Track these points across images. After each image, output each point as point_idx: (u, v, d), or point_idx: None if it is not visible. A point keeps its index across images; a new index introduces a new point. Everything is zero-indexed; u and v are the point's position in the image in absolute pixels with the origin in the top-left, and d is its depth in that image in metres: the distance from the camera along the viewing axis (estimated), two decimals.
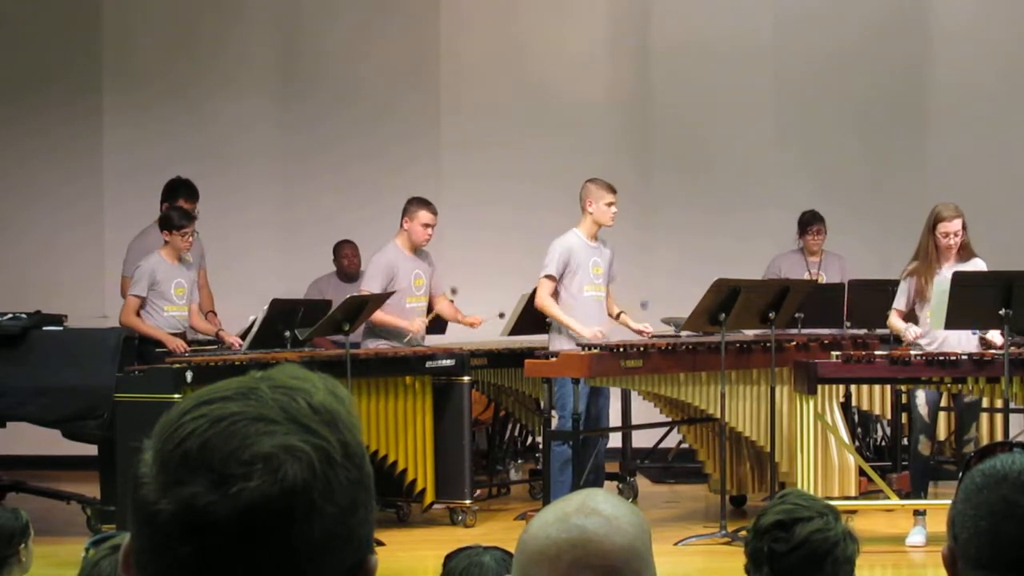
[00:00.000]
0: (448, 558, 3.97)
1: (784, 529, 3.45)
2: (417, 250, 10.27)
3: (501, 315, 10.81)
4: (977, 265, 9.09)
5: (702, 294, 9.32)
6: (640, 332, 9.93)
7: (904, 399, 10.59)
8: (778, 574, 3.44)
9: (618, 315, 9.95)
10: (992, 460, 2.00)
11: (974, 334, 9.08)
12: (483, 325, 10.58)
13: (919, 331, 9.04)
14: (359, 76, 13.46)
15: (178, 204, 10.63)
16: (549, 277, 9.70)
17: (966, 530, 1.97)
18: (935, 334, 9.01)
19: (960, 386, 8.93)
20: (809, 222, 11.55)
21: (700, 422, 10.07)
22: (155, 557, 1.36)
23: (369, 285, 10.08)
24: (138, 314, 10.00)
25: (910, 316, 9.22)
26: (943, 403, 9.53)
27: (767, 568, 3.45)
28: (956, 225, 9.00)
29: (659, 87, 13.31)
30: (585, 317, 9.67)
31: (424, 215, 10.18)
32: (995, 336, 9.01)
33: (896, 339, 10.28)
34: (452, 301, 10.76)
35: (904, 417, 10.83)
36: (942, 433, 10.00)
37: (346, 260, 12.11)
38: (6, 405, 9.57)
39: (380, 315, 10.07)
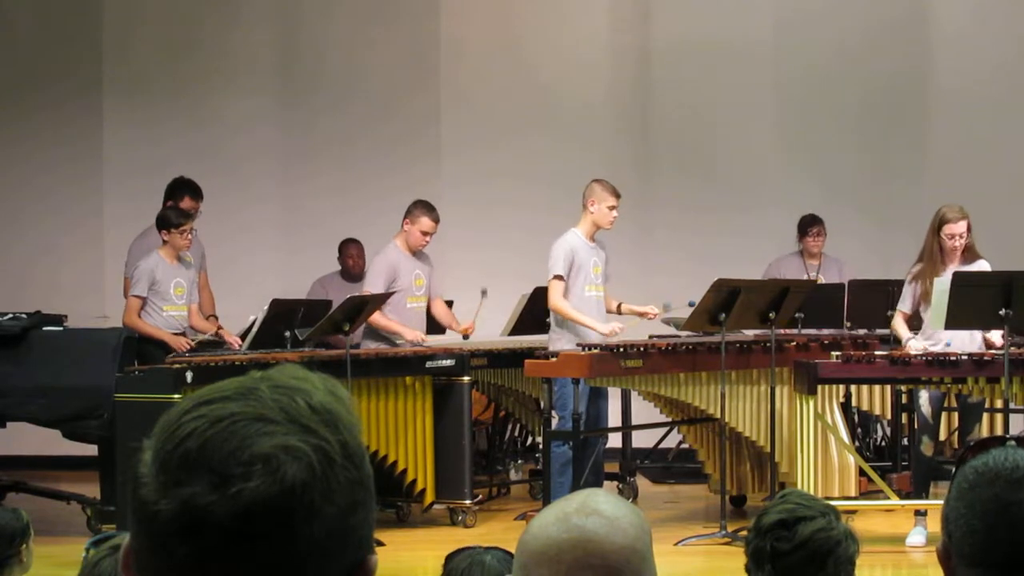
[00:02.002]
0: (449, 558, 3.97)
1: (787, 528, 3.45)
2: (416, 250, 10.29)
3: (484, 292, 10.69)
4: (981, 267, 9.08)
5: (702, 294, 9.32)
6: (643, 315, 9.93)
7: (905, 399, 10.60)
8: (780, 573, 3.44)
9: (618, 307, 9.93)
10: (985, 456, 2.00)
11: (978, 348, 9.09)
12: (480, 324, 10.58)
13: (921, 346, 9.01)
14: (360, 76, 13.46)
15: (181, 204, 10.62)
16: (558, 278, 9.67)
17: (959, 528, 1.97)
18: (939, 335, 9.01)
19: (960, 386, 8.93)
20: (809, 223, 11.58)
21: (700, 422, 10.06)
22: (155, 557, 1.36)
23: (371, 286, 10.10)
24: (139, 315, 10.02)
25: (915, 319, 9.21)
26: (947, 403, 9.54)
27: (769, 567, 3.45)
28: (961, 227, 8.99)
29: (659, 87, 13.30)
30: (590, 315, 9.68)
31: (426, 222, 10.19)
32: (995, 337, 8.99)
33: (896, 340, 10.28)
34: (450, 303, 10.79)
35: (905, 417, 10.84)
36: (943, 433, 10.00)
37: (351, 260, 12.04)
38: (6, 405, 9.57)
39: (381, 319, 10.08)
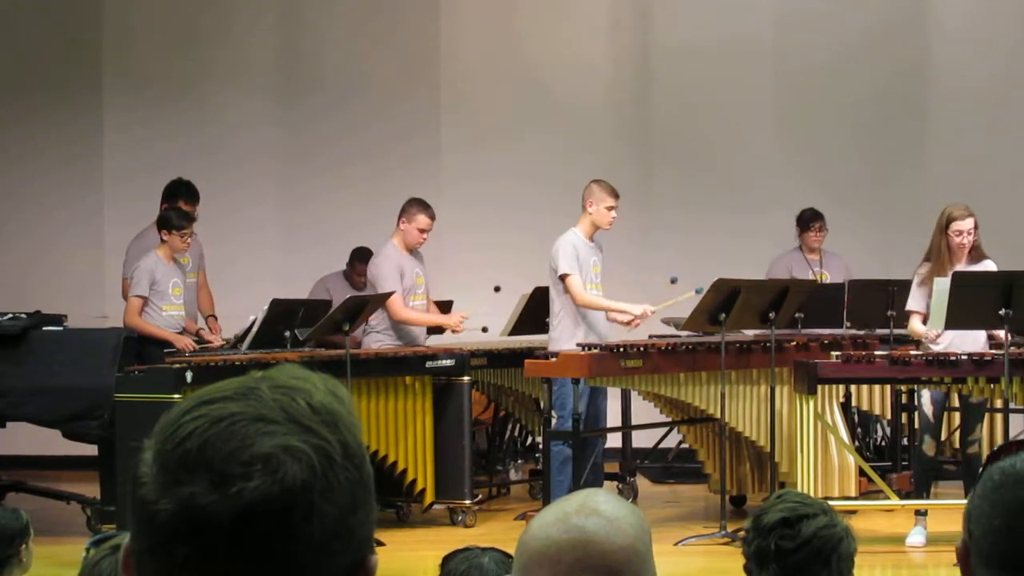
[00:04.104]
0: (446, 560, 3.96)
1: (789, 526, 3.45)
2: (413, 249, 10.29)
3: (484, 330, 10.75)
4: (987, 266, 9.08)
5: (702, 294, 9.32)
6: (640, 316, 9.89)
7: (905, 399, 10.61)
8: (785, 571, 3.44)
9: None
10: (1012, 459, 2.00)
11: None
12: (476, 325, 10.56)
13: (938, 331, 8.99)
14: (359, 76, 13.46)
15: (178, 205, 10.61)
16: (571, 275, 9.64)
17: (980, 527, 1.97)
18: (946, 334, 8.99)
19: (960, 386, 8.93)
20: (811, 219, 11.50)
21: (700, 422, 10.06)
22: (155, 557, 1.36)
23: (390, 288, 10.02)
24: (140, 315, 10.01)
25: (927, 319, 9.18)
26: (949, 403, 9.53)
27: (774, 566, 3.45)
28: (968, 224, 9.00)
29: (659, 87, 13.31)
30: (591, 317, 9.68)
31: (422, 219, 10.17)
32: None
33: (896, 339, 10.28)
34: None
35: (905, 417, 10.84)
36: (943, 432, 9.99)
37: (357, 277, 11.75)
38: (6, 405, 9.57)
39: (411, 314, 10.05)
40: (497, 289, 10.64)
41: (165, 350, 9.74)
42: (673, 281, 9.84)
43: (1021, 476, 1.97)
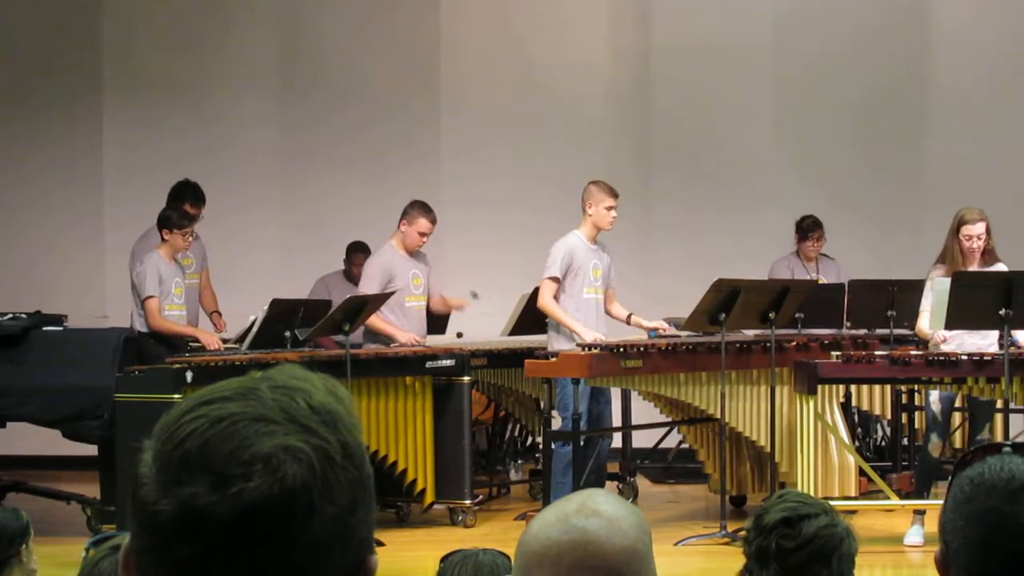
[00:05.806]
0: (444, 559, 3.97)
1: (791, 526, 3.45)
2: (412, 251, 10.28)
3: (474, 295, 10.75)
4: (999, 269, 9.07)
5: (702, 294, 9.32)
6: (654, 330, 9.91)
7: (905, 399, 10.61)
8: (786, 571, 3.44)
9: (628, 317, 9.94)
10: (980, 466, 1.98)
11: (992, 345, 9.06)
12: (470, 312, 10.57)
13: (946, 335, 8.98)
14: (360, 76, 13.46)
15: (184, 207, 10.58)
16: (552, 279, 9.69)
17: (956, 539, 1.96)
18: (954, 335, 8.98)
19: (960, 386, 8.92)
20: (810, 228, 11.43)
21: (700, 422, 10.07)
22: (155, 557, 1.36)
23: (367, 287, 10.09)
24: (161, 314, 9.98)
25: None
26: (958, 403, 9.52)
27: (775, 565, 3.45)
28: (980, 228, 9.01)
29: (659, 87, 13.30)
30: (584, 319, 9.67)
31: (423, 223, 10.18)
32: (1020, 337, 8.94)
33: (896, 339, 10.27)
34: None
35: (905, 417, 10.83)
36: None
37: (356, 269, 11.76)
38: (6, 405, 9.57)
39: (376, 321, 10.05)
40: (474, 295, 10.70)
41: (192, 344, 9.78)
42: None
43: (990, 485, 1.95)
